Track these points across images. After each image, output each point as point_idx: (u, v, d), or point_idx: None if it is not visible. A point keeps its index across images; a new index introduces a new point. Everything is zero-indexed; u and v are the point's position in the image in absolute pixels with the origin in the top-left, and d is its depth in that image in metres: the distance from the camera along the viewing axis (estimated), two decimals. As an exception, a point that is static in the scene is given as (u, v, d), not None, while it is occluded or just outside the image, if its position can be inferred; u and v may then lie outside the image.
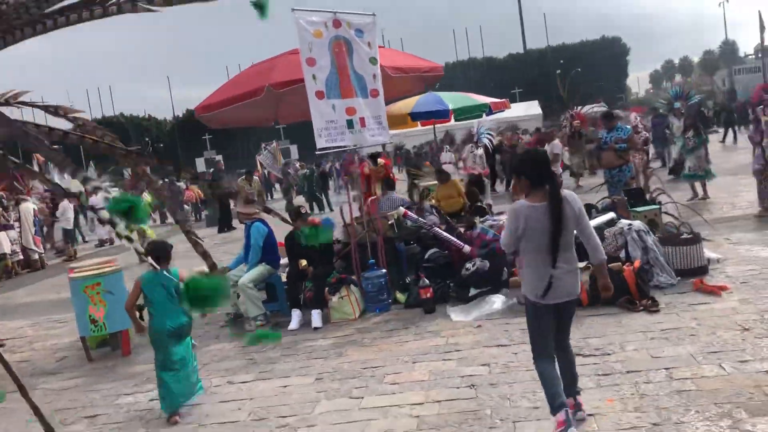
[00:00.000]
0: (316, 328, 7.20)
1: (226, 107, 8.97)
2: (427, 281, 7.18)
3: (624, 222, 7.48)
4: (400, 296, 7.77)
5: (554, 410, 3.86)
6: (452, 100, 11.49)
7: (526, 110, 42.03)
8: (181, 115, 75.88)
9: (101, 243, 20.20)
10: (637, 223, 7.35)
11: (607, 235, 7.27)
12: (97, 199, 20.75)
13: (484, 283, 7.26)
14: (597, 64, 69.49)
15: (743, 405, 3.99)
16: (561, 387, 3.93)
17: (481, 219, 8.32)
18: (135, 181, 16.64)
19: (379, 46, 8.54)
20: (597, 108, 22.42)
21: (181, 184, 24.66)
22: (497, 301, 6.97)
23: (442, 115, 11.15)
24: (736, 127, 29.62)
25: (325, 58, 7.67)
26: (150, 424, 5.15)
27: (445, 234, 7.81)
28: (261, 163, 26.18)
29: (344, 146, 7.92)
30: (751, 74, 73.74)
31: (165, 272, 5.16)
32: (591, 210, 9.70)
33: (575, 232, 3.92)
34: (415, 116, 11.01)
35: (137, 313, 5.64)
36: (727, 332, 5.28)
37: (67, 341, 8.21)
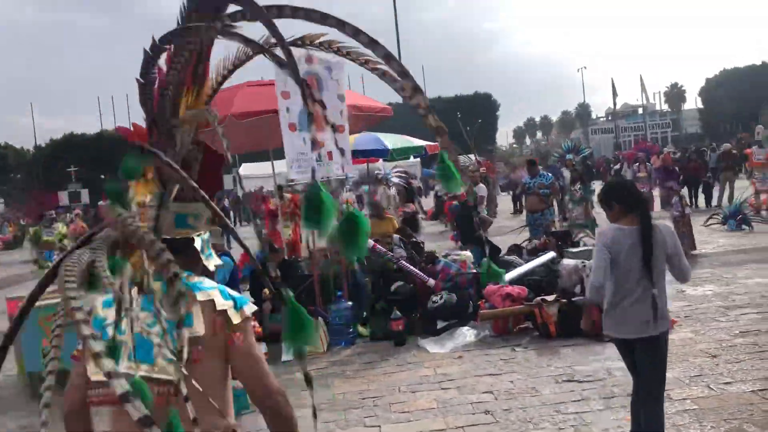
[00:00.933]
0: (285, 361, 7.10)
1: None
2: (399, 313, 7.31)
3: (575, 261, 8.03)
4: (362, 329, 7.83)
5: None
6: (391, 140, 11.85)
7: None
8: (44, 145, 70.91)
9: None
10: (590, 262, 7.91)
11: (563, 273, 7.79)
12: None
13: (452, 316, 7.50)
14: (471, 117, 73.18)
15: (750, 420, 4.47)
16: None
17: (443, 254, 8.62)
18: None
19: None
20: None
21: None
22: (468, 333, 7.22)
23: (380, 153, 11.44)
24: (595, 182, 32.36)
25: (298, 92, 7.76)
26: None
27: (411, 267, 8.01)
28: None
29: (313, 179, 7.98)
30: (604, 134, 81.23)
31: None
32: (521, 250, 10.34)
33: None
34: (355, 154, 11.19)
35: None
36: (697, 359, 5.84)
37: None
